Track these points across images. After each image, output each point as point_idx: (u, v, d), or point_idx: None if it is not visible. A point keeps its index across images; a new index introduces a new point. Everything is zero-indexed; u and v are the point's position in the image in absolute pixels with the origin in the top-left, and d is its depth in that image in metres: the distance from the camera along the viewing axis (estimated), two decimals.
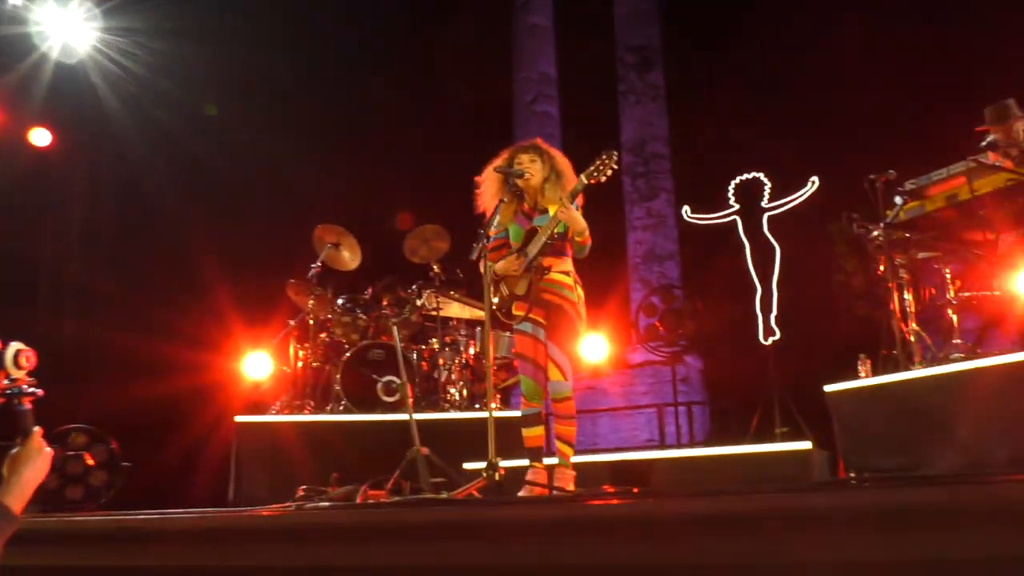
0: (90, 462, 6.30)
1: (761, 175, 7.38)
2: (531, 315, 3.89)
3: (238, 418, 5.68)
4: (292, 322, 6.54)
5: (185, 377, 8.13)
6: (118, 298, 8.64)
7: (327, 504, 3.72)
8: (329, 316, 6.44)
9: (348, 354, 6.11)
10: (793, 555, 1.93)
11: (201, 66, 9.24)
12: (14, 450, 1.94)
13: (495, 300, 3.97)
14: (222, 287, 8.83)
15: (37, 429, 1.98)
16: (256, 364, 6.80)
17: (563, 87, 11.82)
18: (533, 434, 4.00)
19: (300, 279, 6.61)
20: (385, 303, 6.50)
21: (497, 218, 3.87)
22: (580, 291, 3.98)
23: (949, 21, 8.11)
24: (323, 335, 6.47)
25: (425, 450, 4.35)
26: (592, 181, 3.79)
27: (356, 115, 10.15)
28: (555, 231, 3.82)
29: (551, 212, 3.86)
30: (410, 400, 4.74)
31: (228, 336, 7.99)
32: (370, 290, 6.59)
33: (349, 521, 2.24)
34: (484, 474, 3.53)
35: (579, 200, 3.92)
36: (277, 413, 6.11)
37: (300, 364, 6.43)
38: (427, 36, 10.91)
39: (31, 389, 2.01)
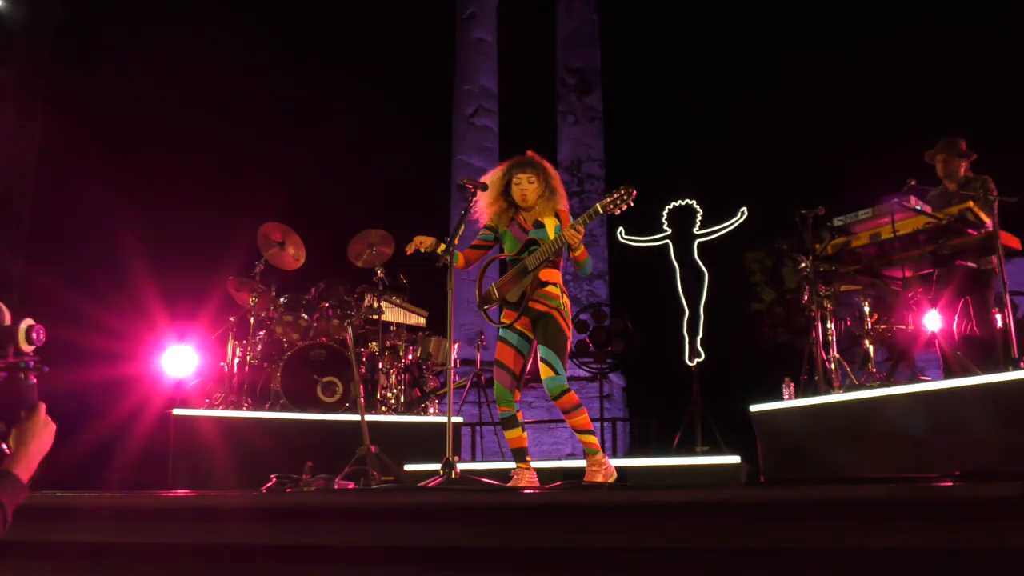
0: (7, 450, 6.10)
1: (693, 202, 7.69)
2: (517, 324, 4.01)
3: (176, 411, 5.63)
4: (232, 319, 6.50)
5: (105, 368, 7.96)
6: (32, 283, 8.40)
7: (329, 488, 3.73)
8: (271, 315, 6.43)
9: (289, 353, 6.12)
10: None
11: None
12: (21, 423, 1.98)
13: (494, 296, 4.12)
14: (148, 280, 8.68)
15: (41, 403, 2.02)
16: (180, 359, 6.66)
17: (503, 102, 12.04)
18: (511, 436, 4.11)
19: (241, 275, 6.59)
20: (327, 305, 6.52)
21: (462, 228, 4.01)
22: (566, 299, 4.11)
23: (886, 68, 8.65)
24: (262, 333, 6.45)
25: (375, 448, 4.42)
26: (608, 212, 3.87)
27: (300, 116, 10.13)
28: (559, 248, 3.95)
29: (546, 225, 4.02)
30: (361, 400, 4.80)
31: (152, 329, 7.87)
32: (313, 291, 6.60)
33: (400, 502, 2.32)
34: (441, 472, 3.64)
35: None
36: (213, 408, 6.06)
37: (237, 361, 6.38)
38: (373, 42, 10.99)
39: (36, 364, 2.04)
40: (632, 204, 3.86)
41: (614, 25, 11.72)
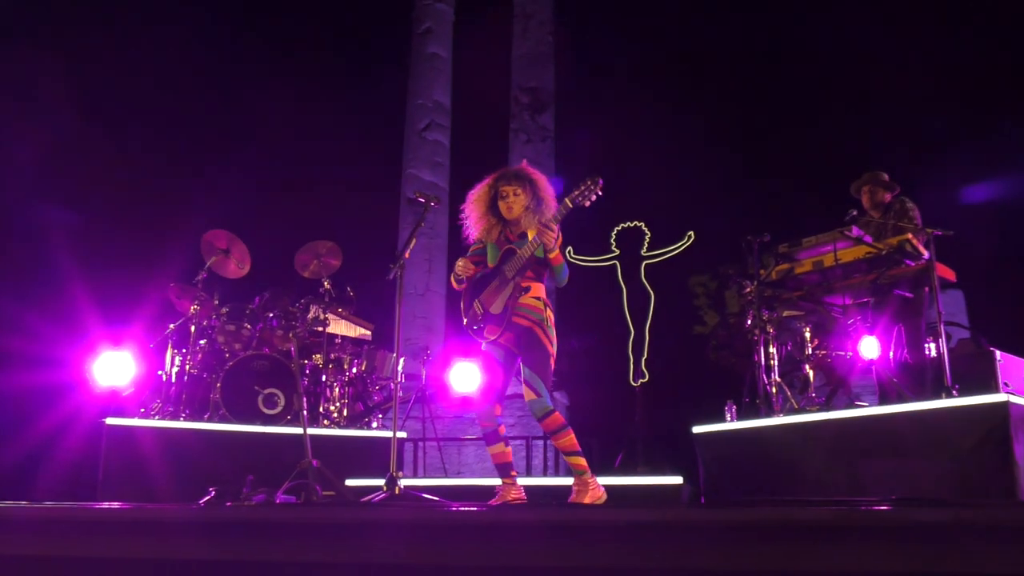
0: None
1: (642, 224, 7.77)
2: (501, 340, 3.93)
3: (110, 421, 5.46)
4: (172, 326, 6.35)
5: (32, 374, 7.69)
6: None
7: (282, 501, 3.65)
8: (212, 323, 6.30)
9: (231, 363, 6.00)
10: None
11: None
12: None
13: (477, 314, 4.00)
14: (82, 282, 8.44)
15: None
16: (115, 366, 6.44)
17: (456, 118, 12.04)
18: (494, 451, 4.02)
19: (183, 282, 6.45)
20: (272, 315, 6.42)
21: (414, 241, 3.99)
22: (550, 312, 4.03)
23: (835, 97, 8.89)
24: (203, 342, 6.31)
25: (316, 462, 4.36)
26: (577, 204, 3.81)
27: (250, 120, 10.00)
28: (534, 253, 3.86)
29: (529, 236, 3.91)
30: (304, 412, 4.73)
31: (85, 334, 7.63)
32: (257, 300, 6.49)
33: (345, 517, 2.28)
34: (384, 487, 3.60)
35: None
36: (149, 418, 5.90)
37: (176, 370, 6.23)
38: (327, 50, 10.93)
39: None
40: (600, 194, 3.80)
41: (569, 46, 11.84)
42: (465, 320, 4.03)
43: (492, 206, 3.98)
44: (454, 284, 4.09)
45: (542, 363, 3.85)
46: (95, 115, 9.44)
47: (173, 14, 9.89)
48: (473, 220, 4.04)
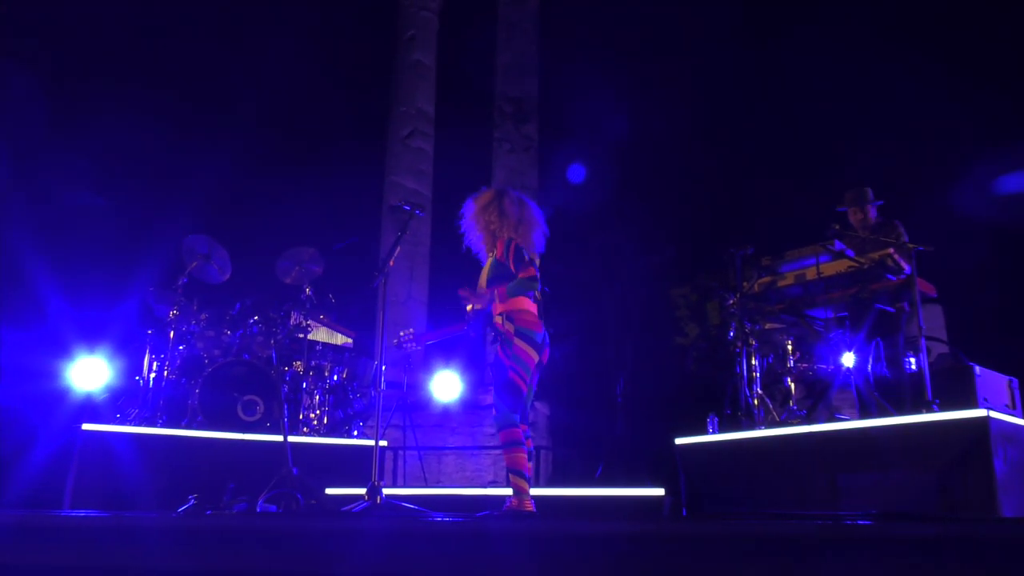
0: None
1: (625, 235, 7.80)
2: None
3: (85, 426, 5.38)
4: (150, 331, 6.28)
5: (5, 379, 7.55)
6: None
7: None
8: (192, 329, 6.23)
9: (211, 369, 5.94)
10: None
11: None
12: None
13: None
14: (54, 284, 8.32)
15: None
16: (90, 371, 6.40)
17: (440, 126, 12.02)
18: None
19: (162, 286, 6.40)
20: (252, 321, 6.36)
21: (398, 249, 3.98)
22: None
23: (818, 110, 8.91)
24: (182, 347, 6.25)
25: (296, 470, 4.31)
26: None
27: (231, 125, 9.93)
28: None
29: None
30: (284, 420, 4.68)
31: (61, 341, 7.53)
32: (238, 306, 6.43)
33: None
34: (366, 497, 3.57)
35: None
36: (125, 423, 5.82)
37: (153, 376, 6.16)
38: (309, 57, 10.88)
39: None
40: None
41: (554, 56, 11.84)
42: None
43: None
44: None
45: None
46: (69, 113, 9.33)
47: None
48: (475, 230, 4.06)
